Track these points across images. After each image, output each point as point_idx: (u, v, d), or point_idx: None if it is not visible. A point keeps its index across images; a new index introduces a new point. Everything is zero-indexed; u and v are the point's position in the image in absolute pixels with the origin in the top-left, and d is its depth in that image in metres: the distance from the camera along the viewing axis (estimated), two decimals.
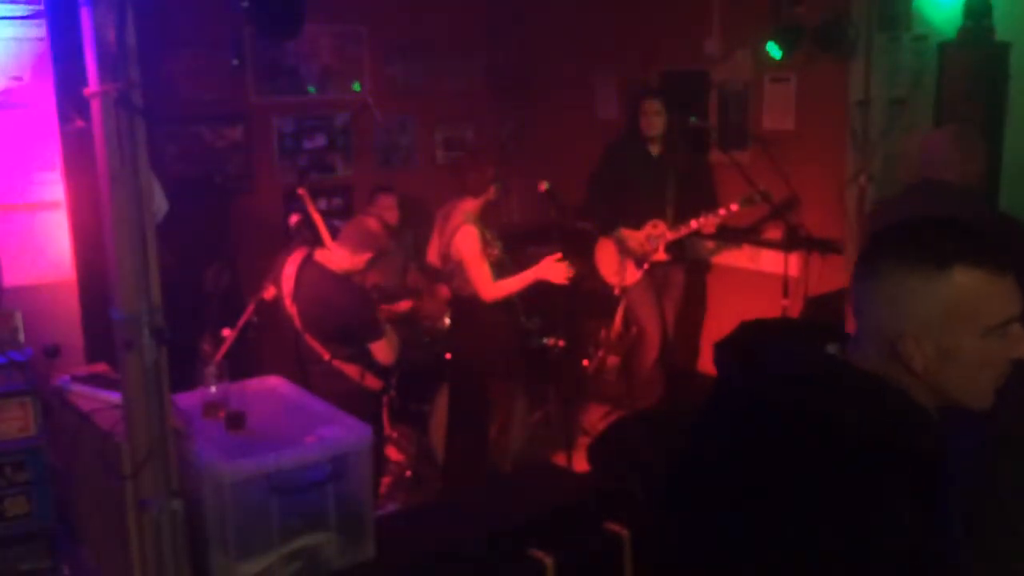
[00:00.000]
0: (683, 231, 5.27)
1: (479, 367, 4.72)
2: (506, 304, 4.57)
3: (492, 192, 4.58)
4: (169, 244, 4.28)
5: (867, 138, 5.14)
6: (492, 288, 4.49)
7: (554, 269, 4.42)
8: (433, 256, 4.91)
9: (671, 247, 5.32)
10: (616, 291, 5.38)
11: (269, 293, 4.11)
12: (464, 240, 4.47)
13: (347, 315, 3.95)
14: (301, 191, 4.24)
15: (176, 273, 4.32)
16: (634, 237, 5.28)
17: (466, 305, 4.62)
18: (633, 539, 3.29)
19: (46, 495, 3.00)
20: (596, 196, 5.34)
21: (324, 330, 3.98)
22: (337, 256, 3.97)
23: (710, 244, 5.84)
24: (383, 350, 4.01)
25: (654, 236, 5.27)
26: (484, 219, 4.59)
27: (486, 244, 4.51)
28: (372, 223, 4.08)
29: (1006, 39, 4.57)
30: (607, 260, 5.44)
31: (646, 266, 5.30)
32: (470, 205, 4.56)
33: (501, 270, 4.57)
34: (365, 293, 4.14)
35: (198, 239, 5.06)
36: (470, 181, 4.57)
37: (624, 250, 5.30)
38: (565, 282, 4.44)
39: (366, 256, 3.96)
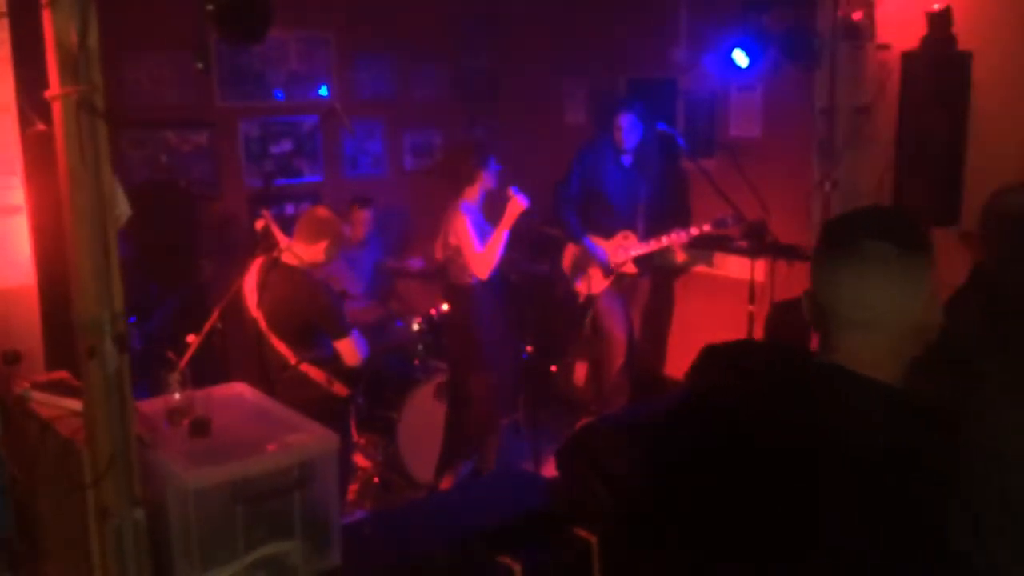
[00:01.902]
0: (653, 245, 5.28)
1: (465, 358, 4.79)
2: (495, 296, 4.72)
3: (483, 177, 4.66)
4: (133, 249, 4.25)
5: (832, 146, 5.20)
6: (478, 258, 4.58)
7: (515, 207, 4.57)
8: (437, 250, 4.94)
9: (640, 259, 5.34)
10: (581, 299, 5.40)
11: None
12: (457, 223, 4.65)
13: (311, 309, 3.94)
14: (262, 221, 4.20)
15: (140, 279, 4.29)
16: (603, 247, 5.30)
17: (459, 295, 4.69)
18: (601, 545, 3.29)
19: (6, 504, 2.95)
20: (565, 204, 5.35)
21: (290, 329, 3.96)
22: (297, 252, 3.97)
23: (678, 249, 5.88)
24: (349, 349, 3.99)
25: (624, 247, 5.28)
26: (488, 212, 4.73)
27: (481, 229, 4.67)
28: (320, 211, 4.10)
29: (968, 48, 4.64)
30: (575, 267, 5.45)
31: (613, 276, 5.32)
32: (469, 194, 4.74)
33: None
34: (328, 287, 4.13)
35: (163, 244, 5.01)
36: (462, 171, 4.75)
37: (592, 258, 5.32)
38: (525, 207, 4.58)
39: (323, 244, 3.98)
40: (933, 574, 1.36)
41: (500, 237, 4.62)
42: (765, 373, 1.50)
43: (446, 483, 4.96)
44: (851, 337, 1.49)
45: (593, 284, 5.33)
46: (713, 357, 1.61)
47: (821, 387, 1.45)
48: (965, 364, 2.09)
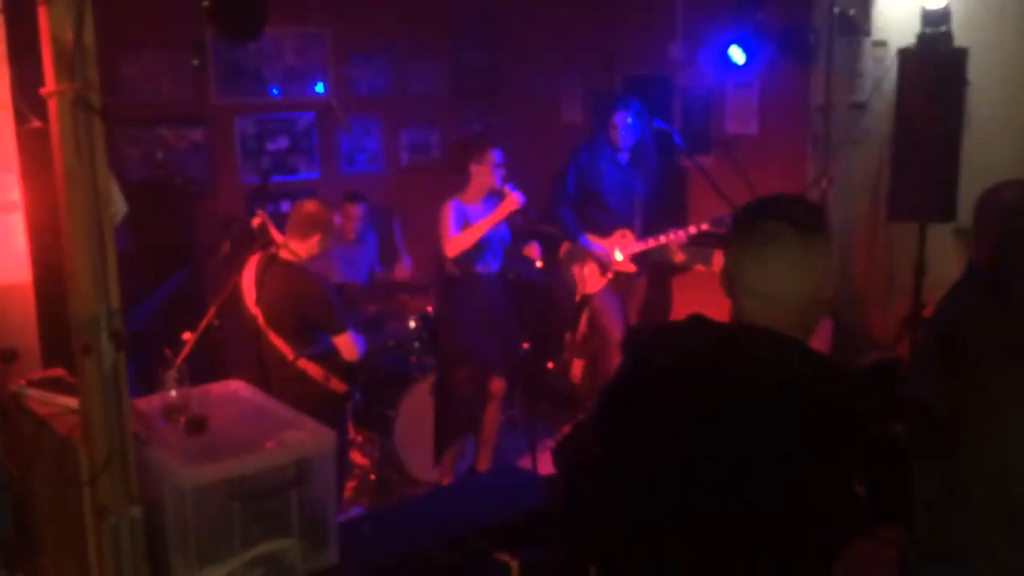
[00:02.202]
0: (651, 244, 5.26)
1: (446, 351, 4.80)
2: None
3: (475, 173, 4.67)
4: (130, 246, 4.24)
5: (828, 142, 5.20)
6: (451, 242, 4.63)
7: (508, 204, 4.58)
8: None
9: (637, 257, 5.33)
10: (577, 297, 5.39)
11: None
12: (440, 214, 4.68)
13: (308, 304, 3.94)
14: (258, 218, 4.20)
15: (137, 276, 4.28)
16: (601, 245, 5.27)
17: (442, 288, 4.81)
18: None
19: (3, 502, 2.95)
20: (562, 203, 5.32)
21: (288, 325, 3.96)
22: (292, 247, 3.98)
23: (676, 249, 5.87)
24: (347, 344, 3.99)
25: (621, 246, 5.26)
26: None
27: (464, 225, 4.66)
28: (309, 205, 4.10)
29: (964, 45, 4.64)
30: (573, 263, 5.44)
31: (610, 274, 5.30)
32: (464, 194, 4.76)
33: (479, 251, 4.73)
34: (326, 282, 4.14)
35: (159, 241, 5.01)
36: (456, 168, 4.84)
37: (589, 257, 5.28)
38: (520, 204, 4.59)
39: (315, 238, 3.98)
40: (826, 498, 1.64)
41: (484, 226, 4.60)
42: (690, 334, 1.81)
43: (445, 479, 4.97)
44: (756, 305, 1.72)
45: (590, 283, 5.33)
46: (640, 332, 1.99)
47: (734, 339, 1.72)
48: (969, 365, 2.08)
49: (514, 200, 4.58)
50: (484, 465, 5.09)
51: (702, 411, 1.69)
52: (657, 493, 1.74)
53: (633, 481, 1.79)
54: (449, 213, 4.68)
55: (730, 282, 1.78)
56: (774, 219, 1.70)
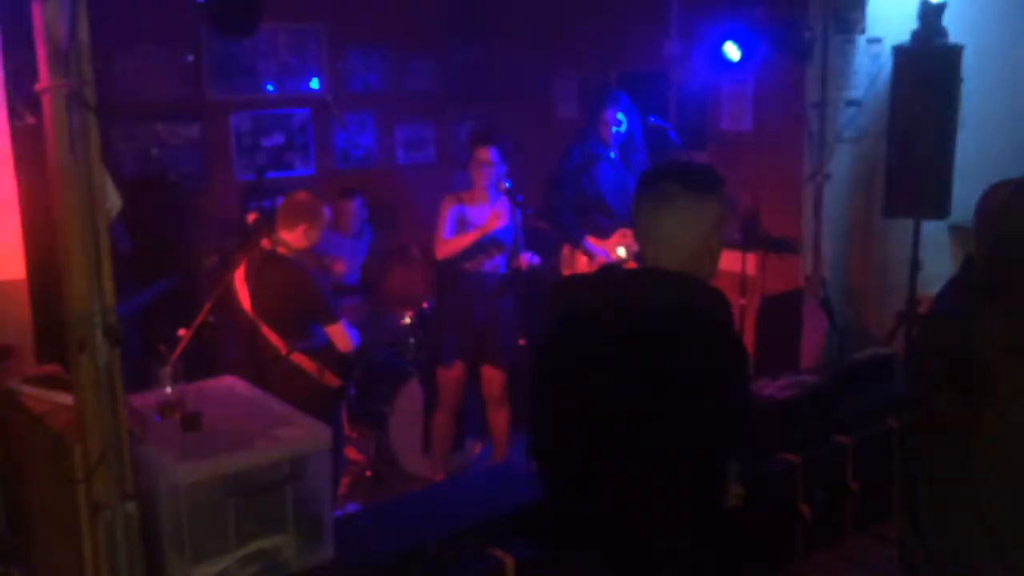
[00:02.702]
0: None
1: (434, 348, 4.82)
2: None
3: (471, 168, 4.67)
4: (126, 246, 4.24)
5: (823, 139, 5.21)
6: (441, 244, 4.66)
7: (493, 220, 4.60)
8: None
9: (639, 255, 5.28)
10: None
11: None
12: (440, 207, 4.69)
13: (300, 296, 3.94)
14: (253, 214, 4.20)
15: (132, 272, 4.27)
16: (603, 247, 5.22)
17: (443, 278, 4.79)
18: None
19: None
20: (560, 207, 5.25)
21: (280, 318, 3.96)
22: (281, 237, 3.98)
23: None
24: (340, 335, 3.99)
25: (623, 245, 5.21)
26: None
27: (460, 224, 4.67)
28: (298, 195, 4.10)
29: (959, 42, 4.65)
30: (576, 270, 5.36)
31: None
32: (465, 193, 4.77)
33: (477, 249, 4.71)
34: (317, 273, 4.14)
35: (153, 237, 5.00)
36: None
37: (592, 261, 5.21)
38: (500, 223, 4.64)
39: (301, 227, 3.98)
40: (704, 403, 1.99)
41: (470, 238, 4.62)
42: (602, 278, 2.25)
43: (438, 475, 4.97)
44: (656, 250, 2.10)
45: None
46: (561, 284, 2.52)
47: (638, 277, 2.16)
48: (986, 386, 2.08)
49: (496, 217, 4.58)
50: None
51: (617, 335, 2.05)
52: (588, 411, 2.09)
53: (568, 407, 2.14)
54: (445, 213, 4.69)
55: (637, 233, 2.16)
56: (668, 180, 2.08)
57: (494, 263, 4.79)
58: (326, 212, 4.15)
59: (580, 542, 2.20)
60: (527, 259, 4.85)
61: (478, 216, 4.69)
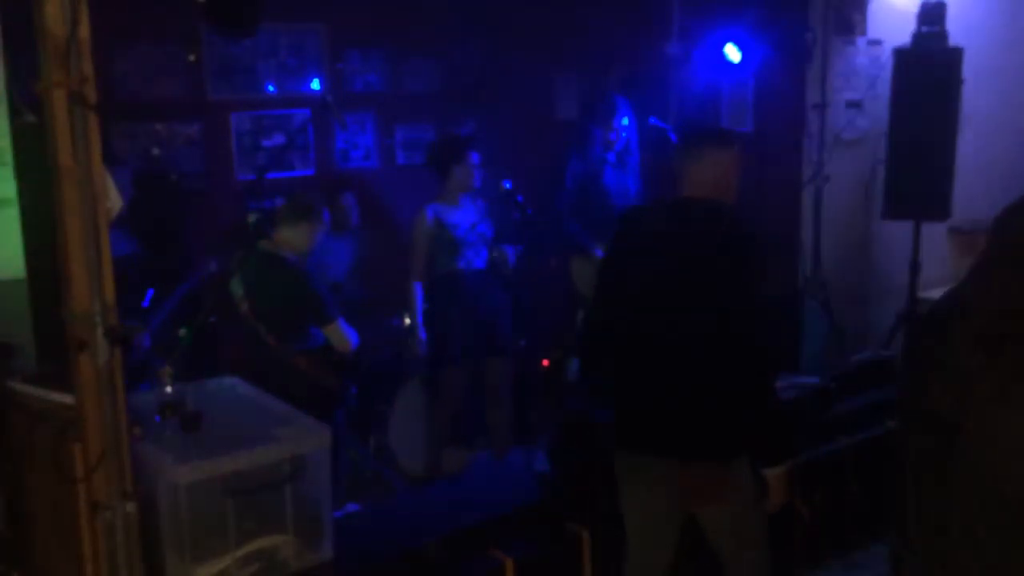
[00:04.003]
0: None
1: (439, 352, 4.84)
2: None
3: (455, 173, 4.68)
4: (126, 242, 4.23)
5: (823, 140, 5.21)
6: (408, 283, 4.78)
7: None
8: None
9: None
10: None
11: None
12: (416, 219, 4.76)
13: (297, 296, 3.94)
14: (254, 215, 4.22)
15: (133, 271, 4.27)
16: None
17: (431, 286, 4.81)
18: (592, 538, 3.30)
19: None
20: (566, 215, 5.22)
21: (278, 319, 3.96)
22: (281, 239, 3.98)
23: None
24: (338, 334, 3.99)
25: None
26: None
27: (439, 227, 4.70)
28: (299, 197, 4.13)
29: (959, 44, 4.65)
30: (588, 278, 5.30)
31: None
32: (443, 194, 4.79)
33: (459, 250, 4.75)
34: (314, 274, 4.16)
35: (154, 237, 5.00)
36: (437, 168, 4.84)
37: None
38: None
39: (302, 227, 4.00)
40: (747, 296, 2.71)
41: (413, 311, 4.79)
42: (655, 207, 3.10)
43: (438, 476, 4.97)
44: (692, 186, 2.88)
45: None
46: (625, 214, 3.17)
47: (685, 204, 2.88)
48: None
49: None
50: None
51: (669, 246, 2.78)
52: (649, 311, 2.76)
53: (633, 308, 2.80)
54: (421, 225, 4.74)
55: (679, 173, 2.91)
56: (700, 137, 3.06)
57: (481, 258, 4.83)
58: (326, 214, 4.17)
59: (641, 436, 2.82)
60: (507, 251, 4.95)
61: (457, 217, 4.72)
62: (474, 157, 4.79)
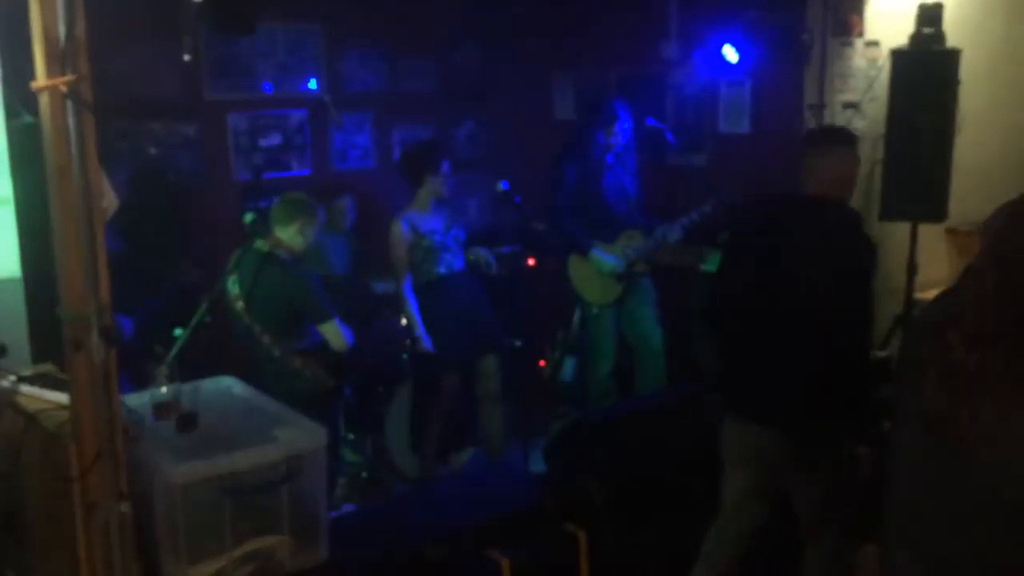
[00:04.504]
0: (658, 241, 5.14)
1: (429, 356, 4.85)
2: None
3: (430, 183, 4.70)
4: (120, 242, 4.22)
5: None
6: (399, 293, 4.81)
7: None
8: None
9: (650, 256, 5.25)
10: (595, 311, 5.29)
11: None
12: (391, 230, 4.76)
13: (293, 295, 3.94)
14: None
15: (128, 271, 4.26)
16: (613, 255, 5.17)
17: (417, 292, 4.81)
18: (589, 539, 3.30)
19: None
20: (564, 215, 5.19)
21: (274, 318, 3.96)
22: (277, 236, 3.98)
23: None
24: (334, 333, 3.99)
25: (632, 247, 5.18)
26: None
27: (416, 235, 4.73)
28: (293, 195, 4.13)
29: (956, 45, 4.65)
30: (585, 279, 5.27)
31: (624, 280, 5.20)
32: (416, 202, 4.82)
33: (438, 255, 4.77)
34: (310, 273, 4.16)
35: (150, 237, 4.99)
36: (410, 176, 4.87)
37: (602, 267, 5.17)
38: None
39: (296, 226, 4.00)
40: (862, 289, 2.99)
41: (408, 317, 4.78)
42: (778, 202, 3.27)
43: (433, 478, 4.97)
44: (818, 184, 3.13)
45: (608, 293, 5.23)
46: (739, 208, 3.72)
47: (808, 202, 3.14)
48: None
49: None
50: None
51: (792, 244, 3.04)
52: (770, 295, 3.04)
53: (753, 291, 3.09)
54: (399, 235, 4.74)
55: (805, 170, 3.17)
56: (825, 137, 3.37)
57: (460, 260, 4.85)
58: (320, 212, 4.16)
59: (748, 406, 3.15)
60: (485, 253, 5.02)
61: (430, 223, 4.75)
62: (446, 166, 4.81)
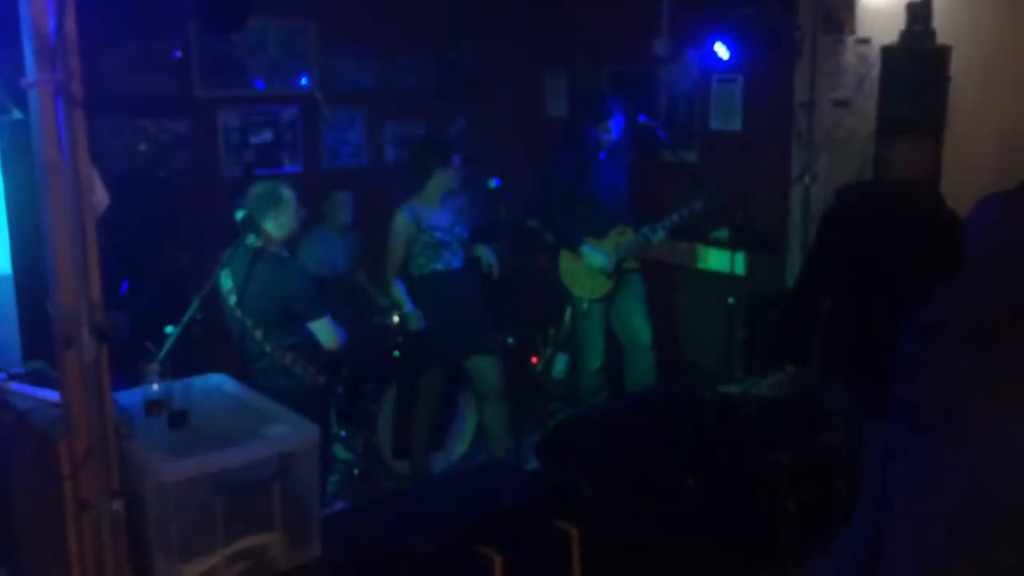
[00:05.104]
0: (648, 236, 5.14)
1: (419, 351, 4.84)
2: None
3: (440, 174, 4.66)
4: (111, 239, 4.21)
5: (812, 139, 5.22)
6: (388, 281, 4.74)
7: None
8: None
9: (640, 252, 5.26)
10: (585, 305, 5.29)
11: None
12: (393, 222, 4.70)
13: (285, 290, 3.93)
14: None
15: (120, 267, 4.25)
16: (603, 251, 5.17)
17: (412, 288, 4.77)
18: (581, 536, 3.30)
19: None
20: (555, 210, 5.20)
21: (267, 314, 3.95)
22: (263, 232, 3.96)
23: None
24: (325, 330, 3.97)
25: (623, 243, 5.18)
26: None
27: (417, 228, 4.66)
28: (270, 186, 4.09)
29: (946, 43, 4.67)
30: (575, 274, 5.28)
31: (614, 277, 5.21)
32: (423, 196, 4.73)
33: (437, 251, 4.71)
34: (302, 268, 4.14)
35: (141, 234, 4.97)
36: (416, 169, 4.79)
37: (592, 263, 5.17)
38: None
39: (283, 218, 3.97)
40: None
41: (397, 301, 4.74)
42: (875, 184, 3.70)
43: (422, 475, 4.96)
44: (901, 169, 3.42)
45: (597, 288, 5.23)
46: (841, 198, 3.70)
47: (896, 187, 3.43)
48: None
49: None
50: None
51: (883, 224, 3.31)
52: (864, 271, 3.32)
53: (849, 267, 3.37)
54: (400, 226, 4.69)
55: (882, 159, 3.64)
56: (903, 129, 3.78)
57: (458, 258, 4.82)
58: (292, 197, 4.09)
59: (848, 366, 3.41)
60: (489, 254, 4.94)
61: (437, 217, 4.70)
62: (456, 160, 4.78)
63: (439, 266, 4.75)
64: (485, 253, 4.94)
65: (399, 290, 4.71)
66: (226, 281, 3.99)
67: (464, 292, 4.83)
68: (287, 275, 3.96)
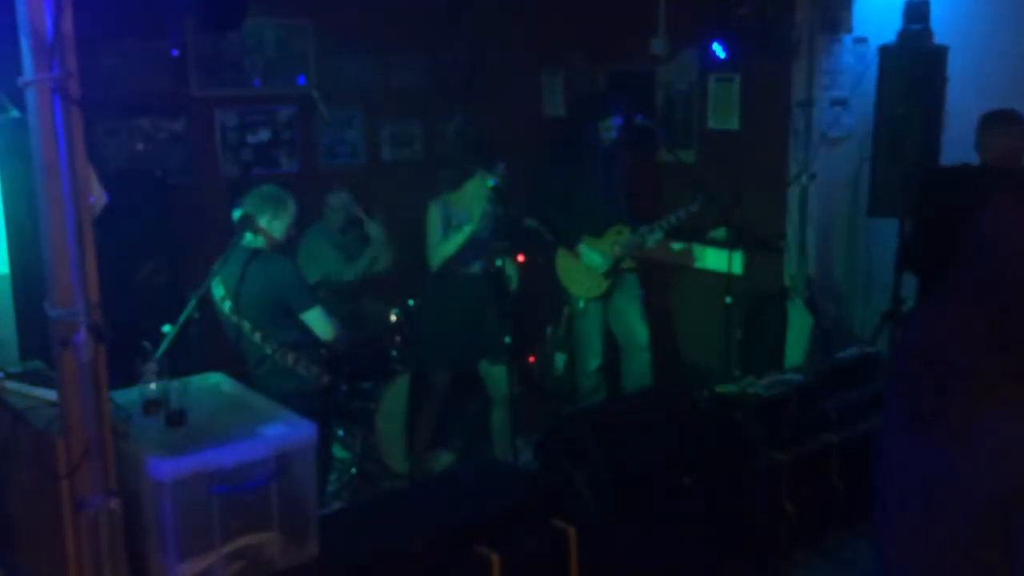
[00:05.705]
0: (645, 236, 5.14)
1: (430, 350, 4.84)
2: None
3: (479, 175, 4.65)
4: (109, 239, 4.20)
5: (809, 138, 5.23)
6: (434, 248, 4.69)
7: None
8: None
9: (637, 252, 5.25)
10: (583, 304, 5.29)
11: None
12: (427, 214, 4.70)
13: (276, 284, 3.93)
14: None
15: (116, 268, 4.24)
16: (599, 251, 5.17)
17: (431, 284, 4.80)
18: (578, 536, 3.30)
19: None
20: (552, 211, 5.20)
21: (262, 311, 3.95)
22: (259, 232, 3.97)
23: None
24: (319, 321, 3.97)
25: (620, 243, 5.17)
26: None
27: (446, 224, 4.66)
28: (265, 188, 4.10)
29: (944, 42, 4.68)
30: (572, 273, 5.28)
31: (612, 277, 5.20)
32: (460, 185, 4.75)
33: (460, 252, 4.67)
34: (292, 262, 4.15)
35: (138, 234, 4.97)
36: (452, 167, 4.86)
37: (589, 263, 5.17)
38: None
39: (280, 222, 3.98)
40: None
41: (465, 234, 4.62)
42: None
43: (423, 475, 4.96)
44: (1008, 157, 4.00)
45: (594, 287, 5.23)
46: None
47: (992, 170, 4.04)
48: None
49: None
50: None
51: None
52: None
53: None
54: (435, 218, 4.68)
55: (986, 144, 4.18)
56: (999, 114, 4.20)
57: (481, 263, 4.78)
58: (294, 209, 4.11)
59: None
60: (507, 267, 4.87)
61: (466, 217, 4.67)
62: (501, 166, 4.73)
63: (459, 267, 4.72)
64: (509, 266, 4.87)
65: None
66: (218, 289, 3.98)
67: (475, 298, 4.77)
68: (278, 268, 3.96)
